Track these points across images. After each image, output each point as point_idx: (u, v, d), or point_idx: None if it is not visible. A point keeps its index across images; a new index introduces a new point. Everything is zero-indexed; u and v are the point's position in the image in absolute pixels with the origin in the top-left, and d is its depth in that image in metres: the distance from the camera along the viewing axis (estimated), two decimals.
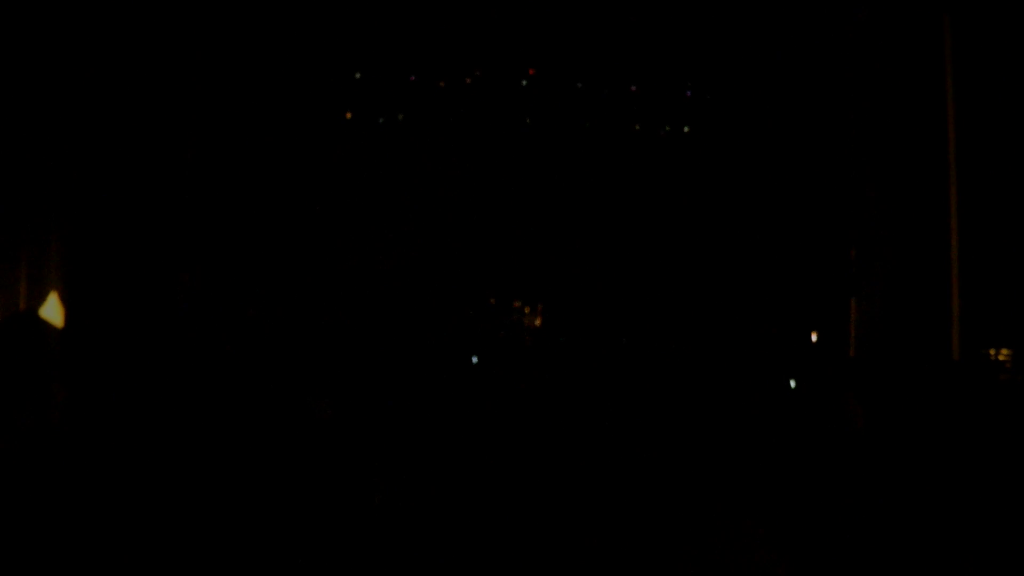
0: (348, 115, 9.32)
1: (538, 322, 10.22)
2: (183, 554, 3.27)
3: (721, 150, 9.11)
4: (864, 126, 7.62)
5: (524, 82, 9.57)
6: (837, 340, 7.80)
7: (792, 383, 7.34)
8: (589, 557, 3.46)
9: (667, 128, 9.43)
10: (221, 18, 7.78)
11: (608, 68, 9.39)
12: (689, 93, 9.37)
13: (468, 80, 9.65)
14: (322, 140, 9.09)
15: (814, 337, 8.09)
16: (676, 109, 9.41)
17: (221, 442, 4.42)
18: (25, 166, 5.64)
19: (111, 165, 6.63)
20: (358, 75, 9.31)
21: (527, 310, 10.23)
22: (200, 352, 6.11)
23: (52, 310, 5.32)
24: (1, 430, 3.89)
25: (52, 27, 5.77)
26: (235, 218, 8.61)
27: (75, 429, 4.32)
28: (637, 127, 9.48)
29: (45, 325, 4.53)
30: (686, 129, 9.36)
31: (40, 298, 5.27)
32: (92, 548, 3.24)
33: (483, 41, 9.32)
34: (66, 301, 5.42)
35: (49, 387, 4.21)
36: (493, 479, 4.52)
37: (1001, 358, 6.79)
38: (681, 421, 6.76)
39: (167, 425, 4.67)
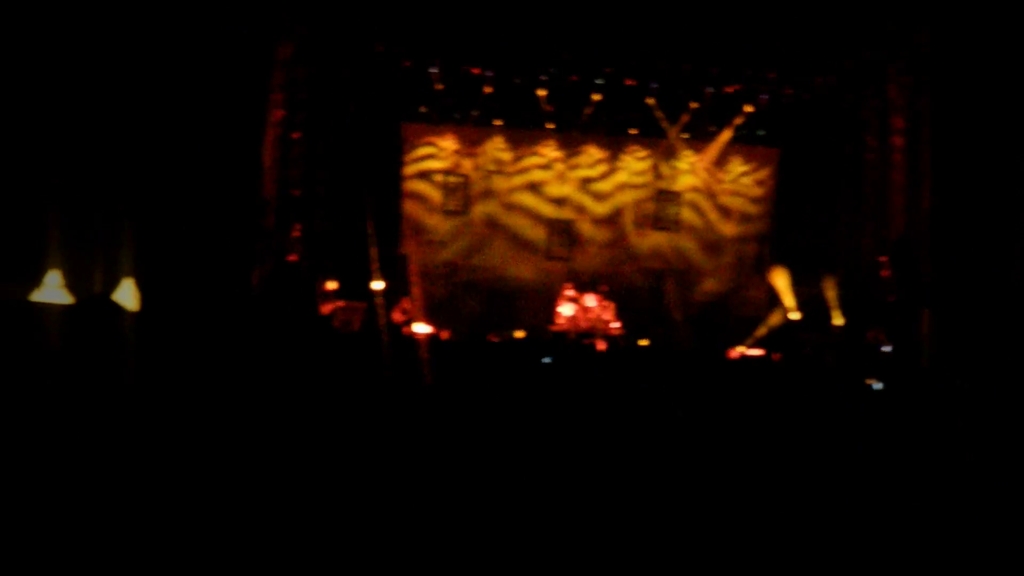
0: None
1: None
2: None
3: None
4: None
5: None
6: (910, 350, 7.60)
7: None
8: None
9: None
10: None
11: None
12: None
13: None
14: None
15: (887, 348, 7.90)
16: None
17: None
18: (109, 164, 5.85)
19: (189, 165, 6.76)
20: None
21: None
22: (264, 339, 6.32)
23: (126, 295, 5.57)
24: (77, 397, 4.19)
25: (116, 35, 5.92)
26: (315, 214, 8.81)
27: (144, 398, 4.62)
28: None
29: (117, 307, 4.77)
30: None
31: (113, 285, 5.54)
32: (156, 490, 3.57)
33: None
34: (142, 288, 5.68)
35: (122, 360, 4.48)
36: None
37: None
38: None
39: (225, 398, 4.99)
